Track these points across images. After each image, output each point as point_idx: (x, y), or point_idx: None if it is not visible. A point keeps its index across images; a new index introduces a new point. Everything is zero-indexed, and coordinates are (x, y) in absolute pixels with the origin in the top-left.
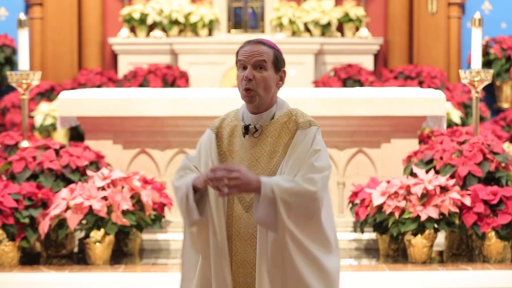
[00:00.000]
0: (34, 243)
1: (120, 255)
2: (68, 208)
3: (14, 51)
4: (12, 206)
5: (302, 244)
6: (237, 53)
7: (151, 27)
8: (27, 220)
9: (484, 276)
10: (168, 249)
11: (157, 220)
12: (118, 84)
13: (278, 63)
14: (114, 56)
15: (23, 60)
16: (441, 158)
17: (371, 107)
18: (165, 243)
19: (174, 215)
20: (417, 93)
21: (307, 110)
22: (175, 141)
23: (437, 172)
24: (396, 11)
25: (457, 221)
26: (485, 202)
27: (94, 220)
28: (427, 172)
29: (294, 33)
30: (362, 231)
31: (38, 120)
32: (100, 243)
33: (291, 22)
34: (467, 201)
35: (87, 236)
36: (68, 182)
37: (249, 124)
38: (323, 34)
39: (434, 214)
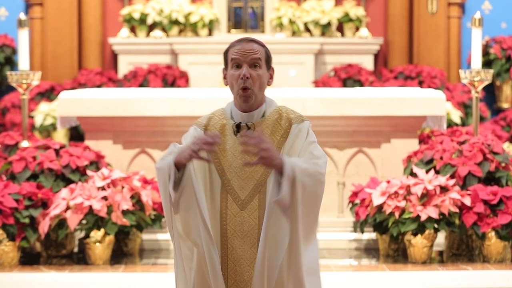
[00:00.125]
0: (34, 243)
1: (120, 255)
2: (68, 208)
3: (14, 51)
4: (12, 206)
5: (301, 230)
6: (226, 52)
7: (151, 27)
8: (27, 220)
9: (484, 276)
10: (168, 249)
11: (157, 220)
12: (118, 84)
13: (269, 61)
14: (114, 56)
15: (23, 60)
16: (441, 158)
17: (371, 107)
18: (165, 243)
19: None
20: (417, 93)
21: (307, 110)
22: (175, 141)
23: (437, 172)
24: (396, 11)
25: (457, 221)
26: (485, 202)
27: (94, 220)
28: (427, 172)
29: (294, 33)
30: (362, 231)
31: (38, 120)
32: (100, 243)
33: (291, 22)
34: (467, 201)
35: (87, 236)
36: (68, 182)
37: (240, 122)
38: (323, 34)
39: (434, 214)
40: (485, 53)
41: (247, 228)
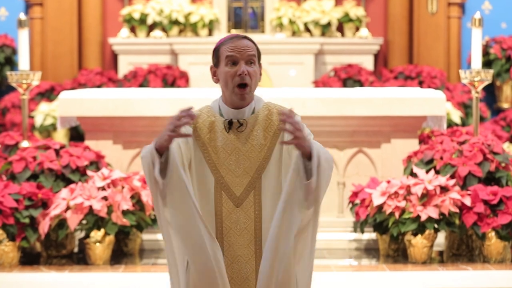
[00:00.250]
0: (34, 243)
1: (120, 255)
2: (68, 208)
3: (14, 51)
4: (12, 206)
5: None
6: (218, 49)
7: (151, 27)
8: (27, 220)
9: (484, 276)
10: None
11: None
12: (118, 84)
13: (260, 58)
14: (114, 56)
15: (23, 60)
16: (441, 158)
17: (371, 107)
18: None
19: None
20: (417, 93)
21: (307, 110)
22: None
23: (437, 172)
24: (396, 11)
25: (457, 221)
26: (485, 202)
27: (94, 220)
28: (427, 172)
29: (294, 33)
30: (362, 231)
31: (38, 120)
32: (100, 243)
33: (291, 22)
34: (467, 201)
35: (87, 236)
36: (68, 182)
37: (232, 119)
38: (323, 34)
39: (434, 214)
40: (485, 53)
41: (244, 225)
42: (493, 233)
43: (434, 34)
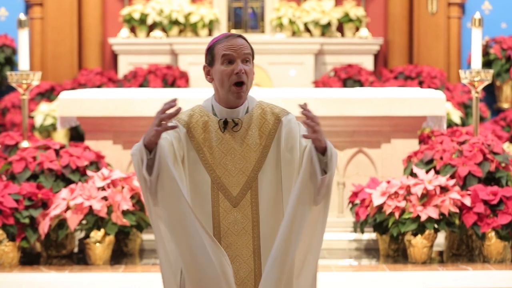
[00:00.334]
0: (34, 243)
1: (120, 255)
2: (68, 208)
3: (14, 51)
4: (12, 206)
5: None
6: (212, 48)
7: (151, 27)
8: (27, 220)
9: (484, 276)
10: None
11: None
12: (118, 84)
13: (254, 57)
14: (114, 56)
15: (23, 60)
16: (441, 158)
17: (371, 107)
18: None
19: None
20: (417, 93)
21: None
22: None
23: (437, 172)
24: (396, 11)
25: (457, 221)
26: (485, 202)
27: (94, 220)
28: (427, 172)
29: (294, 33)
30: (362, 231)
31: (38, 120)
32: (100, 243)
33: (291, 22)
34: (467, 201)
35: (87, 236)
36: (68, 182)
37: (226, 119)
38: (323, 34)
39: (434, 214)
40: (485, 53)
41: (241, 225)
42: (493, 233)
43: (434, 34)
